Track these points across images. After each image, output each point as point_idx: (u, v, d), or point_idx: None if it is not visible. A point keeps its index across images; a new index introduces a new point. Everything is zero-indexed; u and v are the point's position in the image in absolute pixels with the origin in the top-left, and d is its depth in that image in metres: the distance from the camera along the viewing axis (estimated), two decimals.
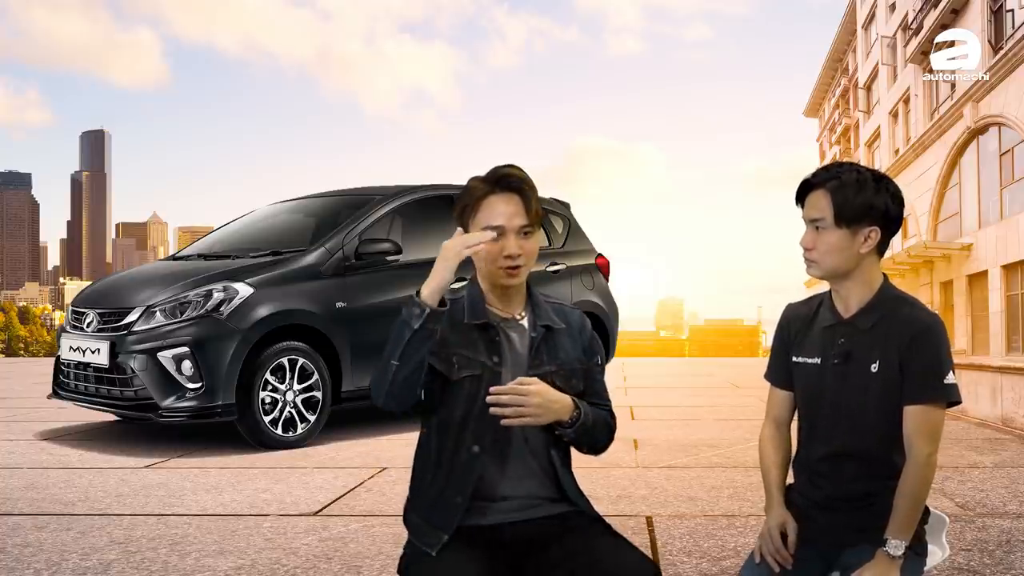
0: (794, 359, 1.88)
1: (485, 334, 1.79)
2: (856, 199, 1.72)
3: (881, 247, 1.78)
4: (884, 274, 1.82)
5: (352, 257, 5.64)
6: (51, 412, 7.05)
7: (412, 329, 1.65)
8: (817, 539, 1.82)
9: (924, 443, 1.71)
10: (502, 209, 1.75)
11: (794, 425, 1.94)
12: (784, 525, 1.84)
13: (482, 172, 1.82)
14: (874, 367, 1.75)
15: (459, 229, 1.74)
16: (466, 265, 1.71)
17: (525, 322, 1.84)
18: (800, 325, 1.89)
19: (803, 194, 1.80)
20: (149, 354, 5.07)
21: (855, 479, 1.79)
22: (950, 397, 1.72)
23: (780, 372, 1.94)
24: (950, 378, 1.71)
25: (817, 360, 1.83)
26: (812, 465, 1.85)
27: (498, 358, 1.78)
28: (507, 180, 1.77)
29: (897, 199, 1.76)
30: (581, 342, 1.88)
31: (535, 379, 1.71)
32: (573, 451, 1.87)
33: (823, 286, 1.87)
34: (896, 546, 1.68)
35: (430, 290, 1.66)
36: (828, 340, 1.82)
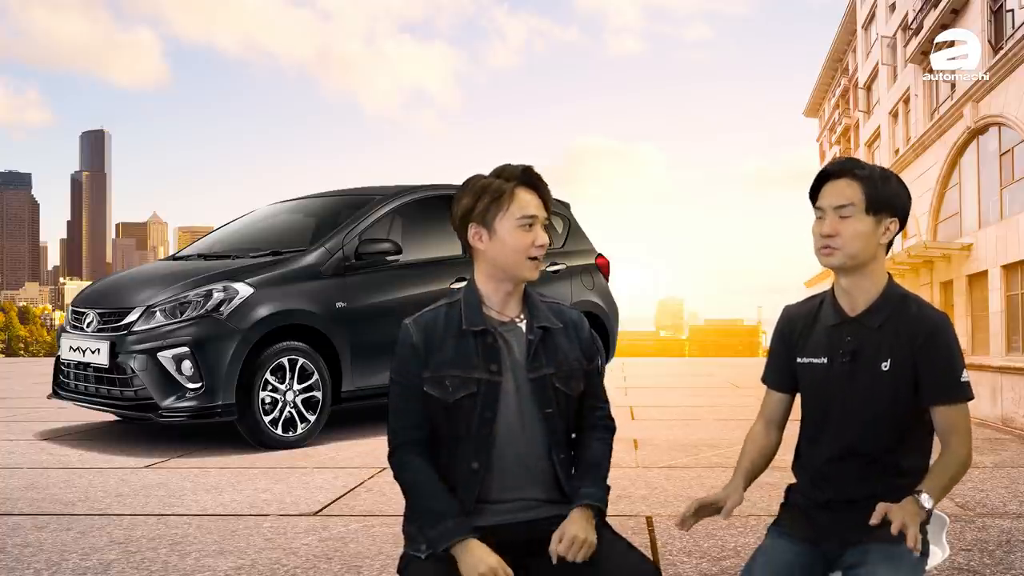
0: (799, 360, 1.87)
1: (483, 340, 1.78)
2: (883, 189, 1.76)
3: (890, 243, 1.81)
4: (888, 272, 1.83)
5: (352, 257, 5.64)
6: (51, 412, 7.05)
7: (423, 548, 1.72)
8: (819, 539, 1.81)
9: (961, 442, 1.74)
10: (531, 199, 1.78)
11: (795, 426, 1.94)
12: (724, 500, 1.77)
13: (481, 172, 1.83)
14: (885, 365, 1.75)
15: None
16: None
17: (523, 325, 1.82)
18: (803, 326, 1.88)
19: (821, 183, 1.80)
20: (149, 354, 5.07)
21: (860, 480, 1.78)
22: (968, 394, 1.76)
23: (778, 375, 1.93)
24: (965, 376, 1.75)
25: (824, 360, 1.82)
26: (816, 467, 1.84)
27: (496, 366, 1.77)
28: (530, 174, 1.79)
29: (909, 195, 1.81)
30: (579, 341, 1.86)
31: (576, 524, 1.69)
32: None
33: (824, 287, 1.87)
34: (927, 499, 1.67)
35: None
36: (835, 339, 1.81)
